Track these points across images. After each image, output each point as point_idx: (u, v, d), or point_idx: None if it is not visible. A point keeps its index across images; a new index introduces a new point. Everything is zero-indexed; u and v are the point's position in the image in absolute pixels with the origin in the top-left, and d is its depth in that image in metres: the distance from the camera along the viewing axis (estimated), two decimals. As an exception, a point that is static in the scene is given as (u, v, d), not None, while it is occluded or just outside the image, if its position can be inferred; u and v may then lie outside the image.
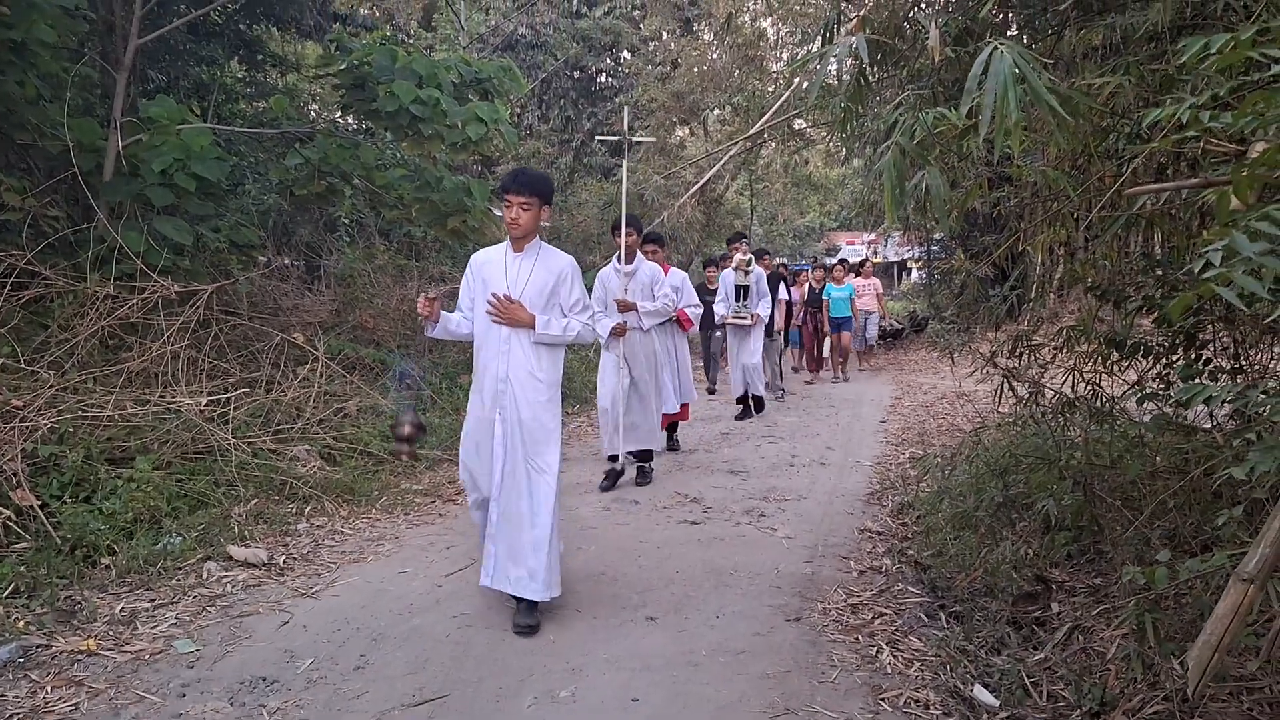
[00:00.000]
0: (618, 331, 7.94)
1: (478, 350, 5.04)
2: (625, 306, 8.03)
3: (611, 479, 8.14)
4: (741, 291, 12.00)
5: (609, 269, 8.38)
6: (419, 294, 5.20)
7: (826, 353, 17.40)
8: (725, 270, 12.51)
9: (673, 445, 9.91)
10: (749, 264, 11.95)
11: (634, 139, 8.06)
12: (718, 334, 14.56)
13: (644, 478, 8.32)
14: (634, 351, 8.20)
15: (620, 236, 8.22)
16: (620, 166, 8.99)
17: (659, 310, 8.29)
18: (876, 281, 19.37)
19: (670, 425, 9.78)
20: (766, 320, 12.26)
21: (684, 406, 9.76)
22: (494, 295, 4.88)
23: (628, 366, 8.13)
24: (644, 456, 8.43)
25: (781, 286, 14.44)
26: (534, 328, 4.88)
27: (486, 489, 4.96)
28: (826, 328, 16.98)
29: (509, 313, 4.86)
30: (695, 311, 9.21)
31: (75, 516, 5.55)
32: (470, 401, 5.13)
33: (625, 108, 8.95)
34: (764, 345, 12.94)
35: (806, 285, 17.41)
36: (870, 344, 18.98)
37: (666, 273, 8.81)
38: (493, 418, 4.90)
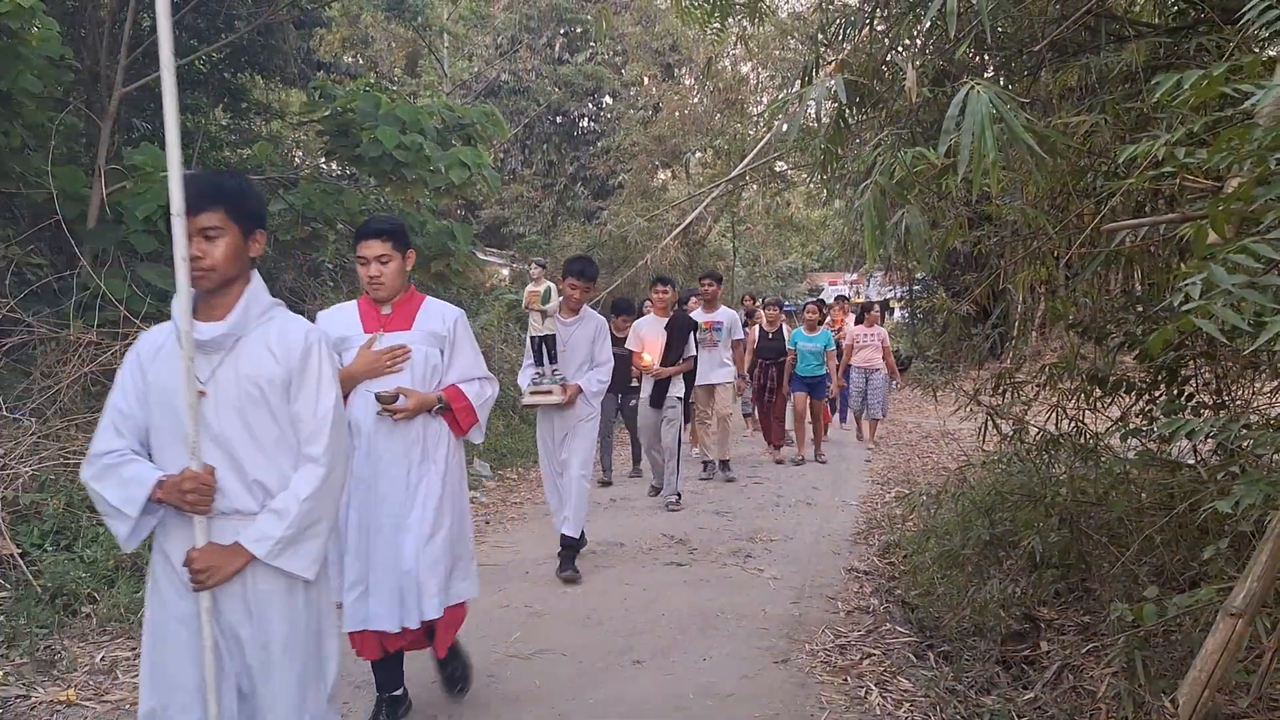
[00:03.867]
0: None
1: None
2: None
3: None
4: (543, 349, 6.67)
5: None
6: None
7: (788, 424, 12.61)
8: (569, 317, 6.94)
9: (454, 684, 4.46)
10: (546, 299, 6.54)
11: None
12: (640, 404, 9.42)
13: None
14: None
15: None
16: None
17: (314, 505, 2.80)
18: (883, 331, 14.10)
19: (443, 659, 4.38)
20: (599, 394, 6.88)
21: (451, 614, 4.22)
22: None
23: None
24: None
25: (692, 339, 9.28)
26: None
27: None
28: (786, 388, 12.07)
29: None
30: (484, 394, 4.31)
31: (56, 565, 5.49)
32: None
33: None
34: (660, 425, 9.12)
35: (757, 328, 12.52)
36: (875, 415, 13.84)
37: (415, 309, 4.20)
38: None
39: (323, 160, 12.32)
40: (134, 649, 5.07)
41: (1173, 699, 3.33)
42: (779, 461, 11.95)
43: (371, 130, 9.37)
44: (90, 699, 4.45)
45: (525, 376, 6.81)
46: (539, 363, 6.67)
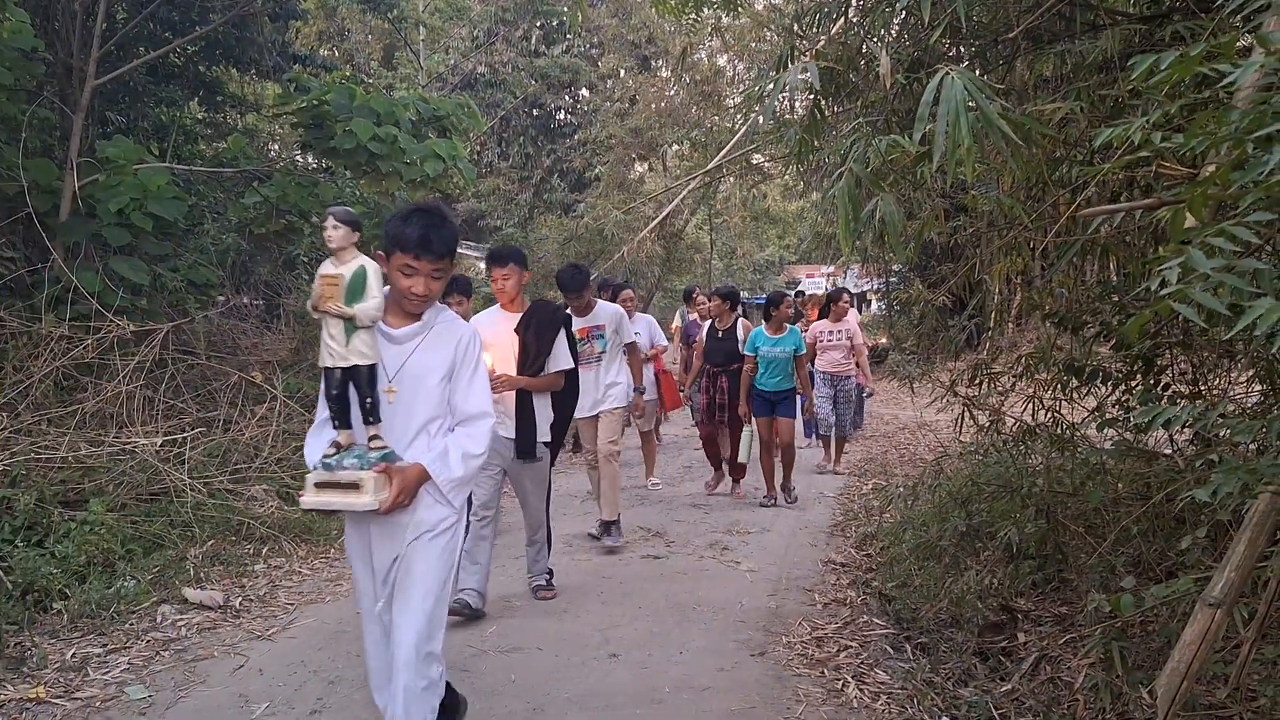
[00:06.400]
0: None
1: None
2: None
3: None
4: (348, 392, 3.13)
5: None
6: None
7: (742, 454, 8.89)
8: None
9: None
10: (356, 292, 3.03)
11: None
12: None
13: None
14: None
15: None
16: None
17: None
18: (854, 326, 11.02)
19: None
20: (465, 481, 3.31)
21: None
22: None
23: None
24: None
25: (561, 339, 5.91)
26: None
27: None
28: (745, 407, 8.76)
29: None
30: None
31: (27, 561, 5.41)
32: None
33: None
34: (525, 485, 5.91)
35: (706, 327, 9.66)
36: (845, 431, 11.00)
37: None
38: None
39: (298, 153, 12.24)
40: (105, 645, 5.01)
41: (1151, 690, 3.33)
42: (712, 492, 9.46)
43: (346, 123, 9.29)
44: (61, 696, 4.38)
45: (315, 445, 3.30)
46: (341, 421, 3.19)
